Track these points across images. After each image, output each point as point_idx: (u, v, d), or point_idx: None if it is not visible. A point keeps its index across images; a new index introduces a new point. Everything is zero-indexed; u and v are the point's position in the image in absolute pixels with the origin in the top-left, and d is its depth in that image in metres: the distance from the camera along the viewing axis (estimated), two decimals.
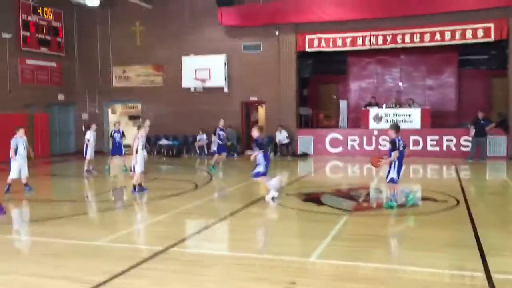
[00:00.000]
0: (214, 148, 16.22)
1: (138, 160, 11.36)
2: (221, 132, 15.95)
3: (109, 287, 5.40)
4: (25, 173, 11.70)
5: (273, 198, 10.05)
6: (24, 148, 11.63)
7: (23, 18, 20.53)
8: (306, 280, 5.52)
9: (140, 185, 11.51)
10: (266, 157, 10.21)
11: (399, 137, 9.05)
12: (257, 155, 10.09)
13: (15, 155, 11.41)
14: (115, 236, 7.66)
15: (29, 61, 21.00)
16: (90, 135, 15.02)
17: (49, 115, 22.04)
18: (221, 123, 16.19)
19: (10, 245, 7.50)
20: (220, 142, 15.82)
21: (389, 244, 7.00)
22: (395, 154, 8.90)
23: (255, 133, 10.33)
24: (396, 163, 9.03)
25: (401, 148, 8.98)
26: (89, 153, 14.93)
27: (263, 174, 10.16)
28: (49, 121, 21.93)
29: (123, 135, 15.87)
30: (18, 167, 11.51)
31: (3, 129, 12.89)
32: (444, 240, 7.17)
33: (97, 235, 7.74)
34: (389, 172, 9.10)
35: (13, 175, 11.51)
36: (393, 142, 9.07)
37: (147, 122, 15.79)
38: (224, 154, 16.10)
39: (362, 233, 7.53)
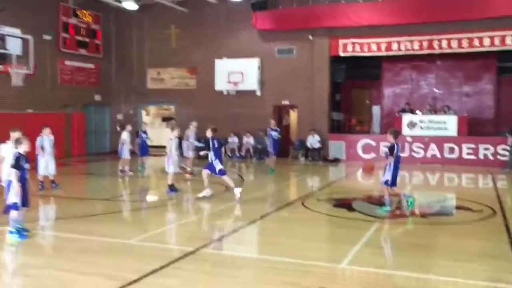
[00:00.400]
0: (269, 149, 16.15)
1: (171, 161, 11.55)
2: (273, 133, 16.02)
3: (141, 285, 5.51)
4: (52, 170, 12.13)
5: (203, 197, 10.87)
6: (50, 146, 12.09)
7: (63, 21, 21.13)
8: (336, 286, 5.49)
9: (172, 185, 11.69)
10: (219, 156, 11.10)
11: (398, 143, 9.57)
12: (211, 154, 10.86)
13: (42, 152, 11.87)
14: (147, 235, 7.79)
15: (68, 62, 21.59)
16: (126, 136, 15.17)
17: (86, 115, 22.60)
18: (272, 123, 16.32)
19: (46, 241, 7.72)
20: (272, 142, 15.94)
21: (422, 253, 6.86)
22: (389, 159, 9.35)
23: (209, 133, 10.90)
24: (392, 167, 9.40)
25: (398, 153, 9.44)
26: (125, 153, 15.11)
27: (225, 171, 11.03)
28: (86, 121, 22.48)
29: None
30: (45, 163, 11.94)
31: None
32: (479, 250, 7.00)
33: (130, 233, 7.89)
34: (384, 175, 9.62)
35: (41, 171, 11.94)
36: (391, 147, 9.44)
37: (194, 123, 15.93)
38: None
39: (394, 241, 7.43)
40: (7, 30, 17.38)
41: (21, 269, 6.11)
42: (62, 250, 7.16)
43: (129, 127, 15.61)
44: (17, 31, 18.13)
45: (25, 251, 6.93)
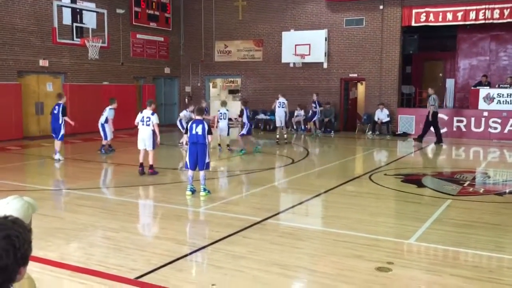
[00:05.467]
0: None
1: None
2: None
3: (209, 251, 5.70)
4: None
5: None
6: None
7: None
8: (404, 261, 5.40)
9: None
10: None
11: (247, 108, 13.95)
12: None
13: (108, 122, 13.28)
14: (215, 204, 8.02)
15: (139, 36, 22.24)
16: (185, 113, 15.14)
17: (156, 87, 23.30)
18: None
19: (121, 206, 8.14)
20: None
21: (495, 231, 6.57)
22: (241, 121, 14.00)
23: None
24: (247, 124, 13.56)
25: (249, 114, 13.98)
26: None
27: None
28: (156, 93, 23.18)
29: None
30: (110, 131, 13.33)
31: (117, 99, 14.20)
32: None
33: (199, 202, 8.16)
34: (241, 130, 13.83)
35: (109, 137, 13.35)
36: (241, 111, 14.12)
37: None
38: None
39: (467, 219, 7.16)
40: (83, 4, 18.15)
41: (101, 232, 6.51)
42: (135, 216, 7.53)
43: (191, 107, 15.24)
44: (92, 5, 18.89)
45: (102, 216, 7.35)
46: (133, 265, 5.18)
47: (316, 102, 19.24)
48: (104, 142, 13.46)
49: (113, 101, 13.62)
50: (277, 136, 16.50)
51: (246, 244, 5.92)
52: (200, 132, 8.31)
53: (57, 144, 12.27)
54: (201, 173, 8.44)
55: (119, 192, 9.14)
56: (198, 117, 8.58)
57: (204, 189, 8.47)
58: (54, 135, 12.45)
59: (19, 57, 17.02)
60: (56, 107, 12.37)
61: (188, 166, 8.49)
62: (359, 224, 6.85)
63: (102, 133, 13.31)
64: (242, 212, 7.53)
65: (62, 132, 12.25)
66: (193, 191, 8.51)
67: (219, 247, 5.81)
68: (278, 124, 16.68)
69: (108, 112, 13.32)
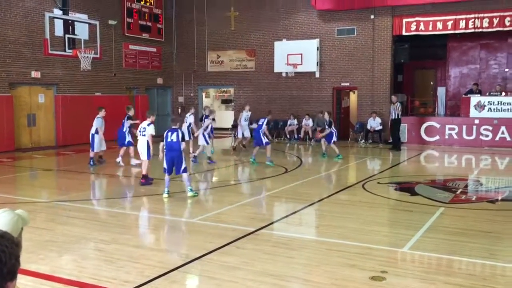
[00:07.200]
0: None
1: None
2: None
3: (203, 262, 5.67)
4: (104, 147, 13.51)
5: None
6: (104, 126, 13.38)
7: (127, 6, 21.71)
8: (398, 270, 5.40)
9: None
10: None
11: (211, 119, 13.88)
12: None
13: (98, 133, 13.12)
14: (208, 214, 7.98)
15: (132, 47, 22.24)
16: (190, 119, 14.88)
17: (149, 97, 23.25)
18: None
19: (113, 218, 8.10)
20: None
21: (488, 238, 6.59)
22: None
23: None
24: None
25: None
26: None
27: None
28: (149, 104, 23.13)
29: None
30: (100, 141, 13.16)
31: (108, 110, 14.19)
32: None
33: (192, 213, 8.13)
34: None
35: (96, 148, 13.16)
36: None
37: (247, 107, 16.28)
38: None
39: (460, 227, 7.18)
40: (75, 15, 18.15)
41: (93, 244, 6.45)
42: (128, 227, 7.48)
43: (192, 110, 15.43)
44: (84, 17, 18.89)
45: (95, 227, 7.30)
46: (126, 277, 5.14)
47: (329, 121, 15.35)
48: (91, 154, 13.17)
49: (100, 109, 13.47)
50: (244, 144, 17.27)
51: (240, 254, 5.90)
52: (174, 139, 9.00)
53: (123, 149, 13.20)
54: (183, 176, 9.12)
55: (112, 204, 9.08)
56: (173, 126, 9.26)
57: (191, 190, 9.07)
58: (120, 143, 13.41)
59: (10, 69, 16.96)
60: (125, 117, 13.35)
61: (166, 171, 9.12)
62: (353, 233, 6.85)
63: (91, 144, 13.14)
64: (235, 222, 7.50)
65: (128, 138, 13.14)
66: (169, 194, 9.06)
67: (213, 257, 5.78)
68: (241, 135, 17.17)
69: (95, 122, 13.15)
